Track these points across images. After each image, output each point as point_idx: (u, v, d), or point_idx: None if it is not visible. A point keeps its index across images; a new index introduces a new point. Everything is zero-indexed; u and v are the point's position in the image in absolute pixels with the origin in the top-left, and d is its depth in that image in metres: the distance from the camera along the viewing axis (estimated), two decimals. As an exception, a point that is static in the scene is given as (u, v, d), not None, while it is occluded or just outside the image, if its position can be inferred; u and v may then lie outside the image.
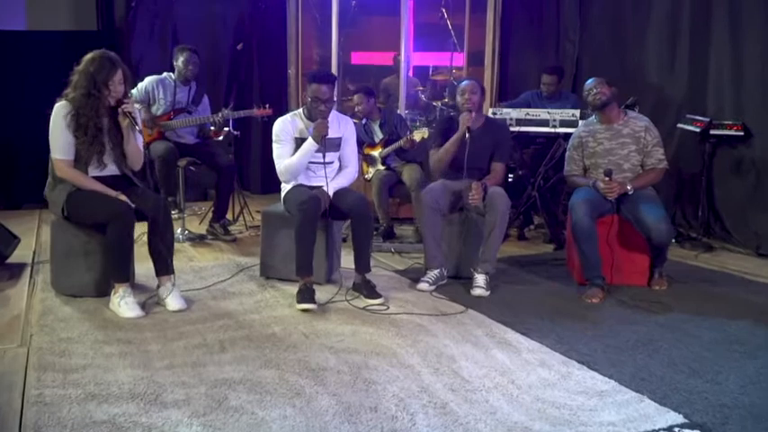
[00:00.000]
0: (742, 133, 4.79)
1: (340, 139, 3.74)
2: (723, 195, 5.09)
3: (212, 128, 4.99)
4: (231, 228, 5.11)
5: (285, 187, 3.75)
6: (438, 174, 4.02)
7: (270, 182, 7.14)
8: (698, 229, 5.06)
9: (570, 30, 6.29)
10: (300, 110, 3.75)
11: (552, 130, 4.88)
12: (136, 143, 3.39)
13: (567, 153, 4.07)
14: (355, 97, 5.03)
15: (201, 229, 5.17)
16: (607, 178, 3.72)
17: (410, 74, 6.37)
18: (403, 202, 5.57)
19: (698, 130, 4.88)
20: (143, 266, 3.70)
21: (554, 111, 4.89)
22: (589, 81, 3.94)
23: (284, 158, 3.64)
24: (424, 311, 3.37)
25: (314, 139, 3.54)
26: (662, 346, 2.95)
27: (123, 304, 3.19)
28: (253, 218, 5.63)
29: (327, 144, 3.60)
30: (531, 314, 3.35)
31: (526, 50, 6.74)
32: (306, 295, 3.35)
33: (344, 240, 4.38)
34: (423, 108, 6.51)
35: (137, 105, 3.46)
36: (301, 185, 3.68)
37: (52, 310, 3.24)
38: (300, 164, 3.60)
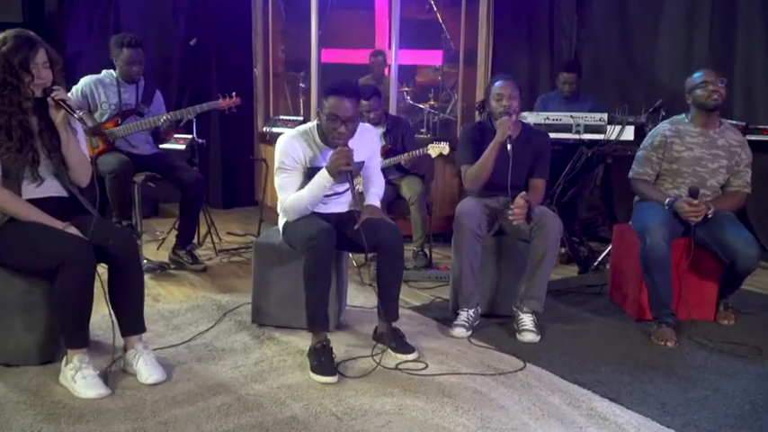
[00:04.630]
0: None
1: (362, 163, 2.93)
2: (756, 208, 4.60)
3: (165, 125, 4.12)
4: (198, 253, 4.27)
5: (286, 212, 2.95)
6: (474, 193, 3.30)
7: (233, 195, 6.32)
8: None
9: (567, 25, 5.71)
10: (313, 124, 2.87)
11: (575, 136, 4.24)
12: (78, 146, 2.55)
13: (642, 152, 3.37)
14: (365, 103, 4.02)
15: (161, 255, 4.31)
16: (695, 200, 3.06)
17: (387, 73, 5.65)
18: (395, 218, 4.87)
19: (733, 135, 4.36)
20: (97, 314, 2.84)
21: (577, 114, 4.25)
22: (699, 73, 3.20)
23: (290, 191, 2.78)
24: (474, 369, 2.66)
25: (329, 173, 2.70)
26: (789, 411, 2.35)
27: (80, 379, 2.35)
28: (221, 239, 4.80)
29: (347, 174, 2.74)
30: (605, 368, 2.70)
31: (514, 49, 6.11)
32: (323, 360, 2.56)
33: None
34: (407, 111, 5.81)
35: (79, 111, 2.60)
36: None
37: (-22, 391, 2.36)
38: (312, 202, 2.76)
